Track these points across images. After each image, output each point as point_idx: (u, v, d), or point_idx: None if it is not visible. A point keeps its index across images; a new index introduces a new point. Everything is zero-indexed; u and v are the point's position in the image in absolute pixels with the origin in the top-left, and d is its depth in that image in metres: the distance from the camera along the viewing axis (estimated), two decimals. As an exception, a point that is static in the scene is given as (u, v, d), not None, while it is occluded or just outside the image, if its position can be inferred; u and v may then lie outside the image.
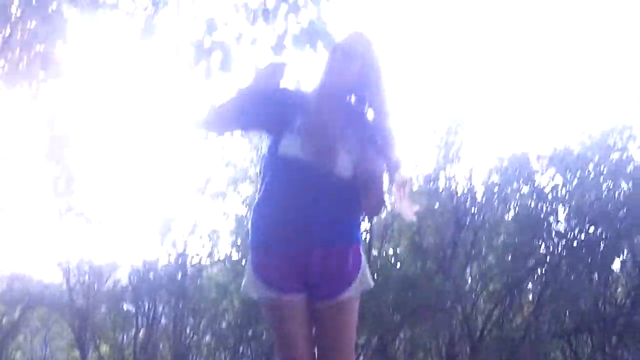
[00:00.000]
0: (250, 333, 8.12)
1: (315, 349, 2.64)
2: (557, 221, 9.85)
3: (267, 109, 2.92)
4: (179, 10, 4.21)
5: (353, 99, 3.01)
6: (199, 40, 3.89)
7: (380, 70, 3.16)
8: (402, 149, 3.34)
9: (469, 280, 9.70)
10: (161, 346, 8.90)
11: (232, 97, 3.04)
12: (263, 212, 2.66)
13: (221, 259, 9.96)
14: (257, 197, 2.94)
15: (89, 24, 9.98)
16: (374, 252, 9.45)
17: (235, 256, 9.71)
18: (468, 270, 9.90)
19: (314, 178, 2.82)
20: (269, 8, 3.86)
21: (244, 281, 2.54)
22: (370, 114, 3.05)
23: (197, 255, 9.75)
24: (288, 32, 3.79)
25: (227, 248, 10.54)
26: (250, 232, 2.57)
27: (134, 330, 9.25)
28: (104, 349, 9.26)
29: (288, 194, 2.70)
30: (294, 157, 2.85)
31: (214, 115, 3.16)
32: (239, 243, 9.70)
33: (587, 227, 9.57)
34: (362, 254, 2.63)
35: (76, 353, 9.43)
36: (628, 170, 9.48)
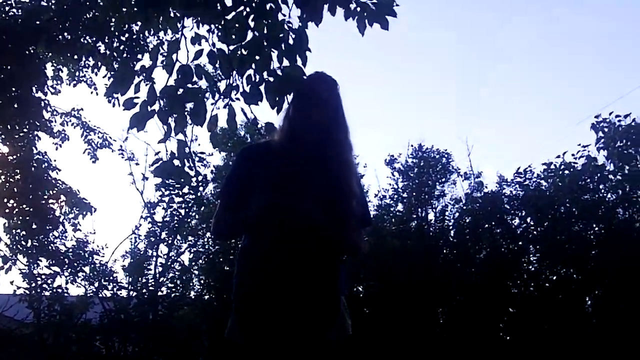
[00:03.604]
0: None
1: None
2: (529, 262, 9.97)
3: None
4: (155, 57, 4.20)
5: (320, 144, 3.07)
6: (173, 88, 3.88)
7: (344, 113, 3.22)
8: (364, 196, 3.40)
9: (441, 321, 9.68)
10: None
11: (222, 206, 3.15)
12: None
13: (193, 298, 9.94)
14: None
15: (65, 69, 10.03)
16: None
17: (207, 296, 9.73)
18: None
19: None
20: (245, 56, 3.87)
21: None
22: (336, 161, 3.11)
23: (170, 294, 9.71)
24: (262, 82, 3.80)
25: (199, 288, 10.58)
26: None
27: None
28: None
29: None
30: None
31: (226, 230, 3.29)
32: (210, 283, 9.73)
33: (558, 268, 9.66)
34: None
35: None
36: (599, 212, 9.58)
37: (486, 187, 10.83)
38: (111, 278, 9.86)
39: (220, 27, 4.08)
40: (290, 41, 3.76)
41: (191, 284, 10.52)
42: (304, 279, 2.86)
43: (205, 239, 11.41)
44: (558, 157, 10.12)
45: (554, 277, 9.68)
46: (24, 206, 10.04)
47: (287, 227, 2.84)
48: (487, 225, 10.00)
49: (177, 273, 10.26)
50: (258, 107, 3.85)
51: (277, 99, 3.61)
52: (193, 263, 10.80)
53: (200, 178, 10.53)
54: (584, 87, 31.65)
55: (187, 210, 10.54)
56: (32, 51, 8.92)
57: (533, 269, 9.87)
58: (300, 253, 2.85)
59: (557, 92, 30.27)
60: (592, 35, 28.97)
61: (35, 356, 9.96)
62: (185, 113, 3.89)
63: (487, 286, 9.29)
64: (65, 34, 8.85)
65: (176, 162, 3.97)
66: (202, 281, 10.64)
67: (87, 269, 10.08)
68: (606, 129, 10.01)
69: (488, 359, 8.74)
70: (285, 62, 3.73)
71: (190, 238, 11.85)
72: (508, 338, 9.54)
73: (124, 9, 4.49)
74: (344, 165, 3.08)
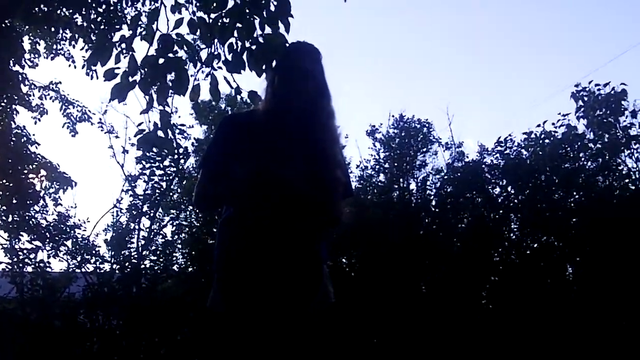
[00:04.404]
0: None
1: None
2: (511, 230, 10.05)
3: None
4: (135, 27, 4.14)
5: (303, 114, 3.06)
6: (154, 58, 3.83)
7: (327, 83, 3.21)
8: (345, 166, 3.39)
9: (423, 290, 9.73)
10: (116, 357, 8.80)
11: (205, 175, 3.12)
12: None
13: (176, 271, 9.94)
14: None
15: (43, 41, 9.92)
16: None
17: (190, 269, 9.73)
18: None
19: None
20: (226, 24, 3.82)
21: None
22: (320, 130, 3.10)
23: (153, 267, 9.69)
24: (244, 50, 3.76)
25: (181, 261, 10.57)
26: None
27: (88, 344, 9.12)
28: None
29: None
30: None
31: (208, 200, 3.26)
32: (193, 255, 9.72)
33: (539, 236, 9.74)
34: None
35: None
36: (580, 180, 9.65)
37: (467, 157, 10.89)
38: (93, 252, 9.82)
39: (199, -6, 4.04)
40: (272, 8, 3.72)
41: (174, 257, 10.50)
42: (286, 247, 2.86)
43: (188, 212, 11.40)
44: (538, 126, 10.20)
45: (535, 245, 9.76)
46: (4, 181, 9.98)
47: (270, 196, 2.84)
48: (468, 195, 10.05)
49: (159, 246, 10.24)
50: (240, 77, 3.82)
51: (262, 66, 3.58)
52: (175, 236, 10.80)
53: (181, 151, 10.49)
54: (564, 56, 31.76)
55: (168, 183, 10.50)
56: (8, 24, 8.79)
57: (514, 237, 9.94)
58: (283, 222, 2.85)
59: (537, 61, 30.36)
60: (575, 3, 29.02)
61: (18, 331, 9.92)
62: (167, 83, 3.86)
63: (469, 255, 9.36)
64: (42, 6, 8.74)
65: (160, 133, 3.94)
66: (184, 254, 10.64)
67: (69, 243, 10.04)
68: (586, 98, 10.06)
69: (471, 327, 8.82)
70: (268, 30, 3.70)
71: (172, 211, 11.84)
72: (490, 306, 9.62)
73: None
74: (328, 135, 3.08)
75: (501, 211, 9.93)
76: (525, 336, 8.57)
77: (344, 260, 10.11)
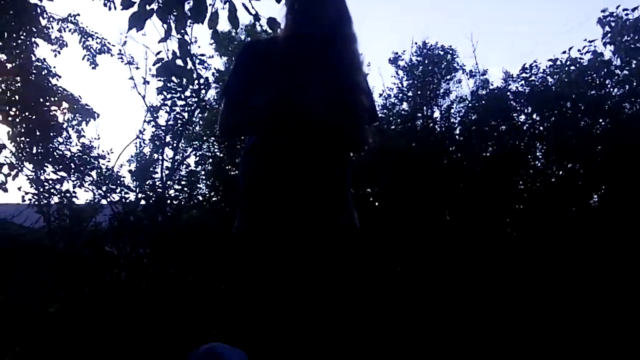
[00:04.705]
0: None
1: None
2: (536, 158, 9.95)
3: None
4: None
5: (325, 40, 3.00)
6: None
7: (348, 8, 3.14)
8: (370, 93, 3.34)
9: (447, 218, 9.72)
10: (144, 287, 8.95)
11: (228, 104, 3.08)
12: None
13: (200, 200, 10.01)
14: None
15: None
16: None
17: (214, 198, 9.77)
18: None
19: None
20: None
21: None
22: (342, 55, 3.04)
23: (178, 196, 9.77)
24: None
25: (205, 191, 10.61)
26: None
27: (116, 272, 9.28)
28: (87, 290, 9.30)
29: None
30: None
31: (232, 128, 3.22)
32: (217, 185, 9.75)
33: (564, 164, 9.65)
34: None
35: (60, 295, 9.47)
36: (606, 107, 9.50)
37: (492, 84, 10.74)
38: (118, 182, 9.91)
39: None
40: None
41: (198, 186, 10.56)
42: (306, 173, 2.84)
43: (210, 144, 11.41)
44: (564, 52, 10.02)
45: (560, 173, 9.67)
46: (26, 113, 10.02)
47: (288, 122, 2.81)
48: (493, 123, 9.93)
49: (183, 177, 10.30)
50: (259, 4, 3.75)
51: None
52: (199, 167, 10.84)
53: (201, 81, 10.44)
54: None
55: (190, 114, 10.47)
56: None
57: (539, 164, 9.85)
58: (302, 148, 2.83)
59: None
60: None
61: (46, 261, 10.11)
62: (186, 12, 3.80)
63: (493, 183, 9.30)
64: None
65: (179, 62, 3.91)
66: (208, 184, 10.69)
67: (93, 173, 10.13)
68: (613, 24, 9.84)
69: (494, 255, 8.84)
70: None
71: (194, 143, 11.87)
72: (515, 234, 9.61)
73: None
74: (349, 60, 3.03)
75: (526, 139, 9.82)
76: (550, 263, 8.58)
77: (367, 190, 10.10)
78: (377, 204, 9.85)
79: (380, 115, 10.55)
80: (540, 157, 9.94)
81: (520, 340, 7.29)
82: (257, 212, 2.90)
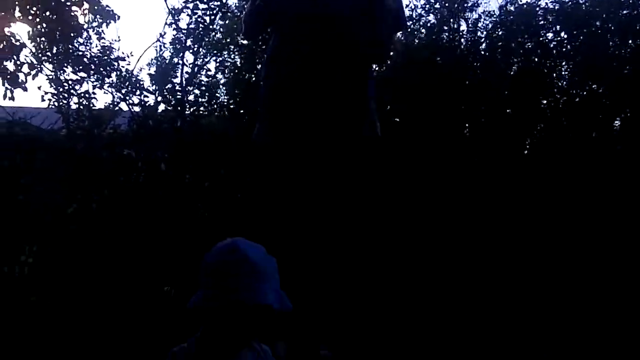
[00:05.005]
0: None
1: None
2: (561, 77, 9.79)
3: None
4: None
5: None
6: None
7: None
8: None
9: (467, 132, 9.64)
10: (161, 191, 8.98)
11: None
12: None
13: (220, 106, 9.96)
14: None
15: None
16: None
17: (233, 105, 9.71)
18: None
19: None
20: None
21: None
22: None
23: (197, 101, 9.73)
24: None
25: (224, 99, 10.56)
26: None
27: (134, 175, 9.30)
28: (106, 192, 9.34)
29: None
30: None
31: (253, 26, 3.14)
32: (236, 93, 9.68)
33: (590, 84, 9.49)
34: None
35: (78, 196, 9.52)
36: (637, 27, 9.27)
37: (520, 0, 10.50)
38: (138, 85, 9.87)
39: None
40: None
41: (217, 93, 10.52)
42: (332, 82, 2.79)
43: (230, 50, 11.30)
44: (596, -31, 9.71)
45: (584, 93, 9.52)
46: (47, 13, 9.90)
47: (311, 29, 2.74)
48: (520, 39, 9.74)
49: (203, 81, 10.24)
50: None
51: None
52: (218, 73, 10.77)
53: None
54: None
55: (212, 18, 10.32)
56: None
57: (565, 84, 9.70)
58: (324, 56, 2.77)
59: None
60: None
61: (65, 162, 10.15)
62: None
63: (516, 100, 9.19)
64: None
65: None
66: (227, 92, 10.63)
67: (113, 75, 10.09)
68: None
69: (512, 172, 8.78)
70: None
71: (214, 51, 11.75)
72: (535, 154, 9.53)
73: None
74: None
75: (552, 57, 9.63)
76: (567, 184, 8.53)
77: (388, 107, 9.99)
78: (397, 119, 9.75)
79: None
80: (565, 76, 9.78)
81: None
82: (279, 121, 2.86)
